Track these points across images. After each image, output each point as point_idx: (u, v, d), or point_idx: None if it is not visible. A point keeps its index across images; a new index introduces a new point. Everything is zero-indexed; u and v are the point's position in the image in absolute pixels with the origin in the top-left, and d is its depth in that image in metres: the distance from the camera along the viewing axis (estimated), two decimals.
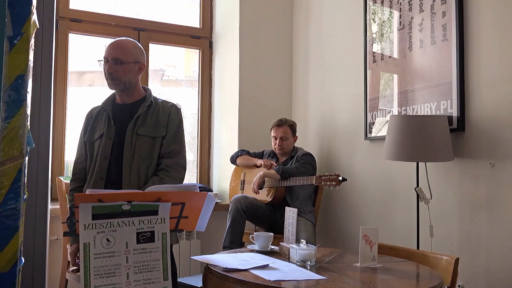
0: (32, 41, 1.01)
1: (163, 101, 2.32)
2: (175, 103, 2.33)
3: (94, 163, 2.20)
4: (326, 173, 3.14)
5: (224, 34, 4.20)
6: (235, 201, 3.20)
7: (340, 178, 3.03)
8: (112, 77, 2.17)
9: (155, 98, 2.31)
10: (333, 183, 3.05)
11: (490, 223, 2.46)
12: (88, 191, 1.35)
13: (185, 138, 2.34)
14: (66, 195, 3.02)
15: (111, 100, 2.30)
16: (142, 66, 2.24)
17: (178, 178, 2.20)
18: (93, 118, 2.29)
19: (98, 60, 2.25)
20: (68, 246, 3.01)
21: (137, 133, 2.18)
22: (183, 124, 2.32)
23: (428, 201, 2.61)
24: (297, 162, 3.35)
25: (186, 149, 2.31)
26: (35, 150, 1.62)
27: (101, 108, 2.29)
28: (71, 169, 3.63)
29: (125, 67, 2.17)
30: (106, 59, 2.18)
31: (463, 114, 2.59)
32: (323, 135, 3.78)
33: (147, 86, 3.90)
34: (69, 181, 3.35)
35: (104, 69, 2.18)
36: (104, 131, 2.20)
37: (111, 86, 2.22)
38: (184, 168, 2.25)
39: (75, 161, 2.33)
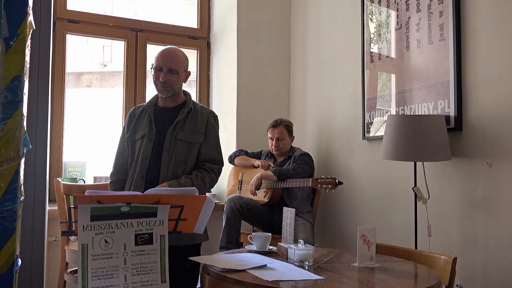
0: (29, 42, 1.01)
1: (202, 107, 2.48)
2: (212, 111, 2.50)
3: (136, 162, 2.34)
4: (322, 176, 3.14)
5: (222, 35, 4.20)
6: (229, 201, 3.22)
7: (336, 181, 3.04)
8: (165, 85, 2.33)
9: (194, 103, 2.46)
10: (329, 186, 3.05)
11: (487, 222, 2.46)
12: (87, 192, 1.35)
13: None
14: (64, 196, 3.03)
15: (153, 102, 2.45)
16: (188, 74, 2.45)
17: (214, 181, 2.38)
18: (136, 118, 2.43)
19: (151, 65, 2.38)
20: (66, 247, 3.01)
21: (175, 137, 2.32)
22: (219, 131, 2.49)
23: (426, 200, 2.61)
24: (295, 162, 3.35)
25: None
26: (33, 151, 1.61)
27: (143, 108, 2.44)
28: (69, 170, 3.65)
29: (178, 76, 2.34)
30: (160, 68, 2.32)
31: (460, 114, 2.59)
32: (321, 135, 3.79)
33: (145, 86, 3.94)
34: (69, 182, 3.35)
35: (157, 77, 2.32)
36: (145, 132, 2.35)
37: (162, 92, 2.37)
38: (220, 173, 2.44)
39: (117, 155, 2.45)
